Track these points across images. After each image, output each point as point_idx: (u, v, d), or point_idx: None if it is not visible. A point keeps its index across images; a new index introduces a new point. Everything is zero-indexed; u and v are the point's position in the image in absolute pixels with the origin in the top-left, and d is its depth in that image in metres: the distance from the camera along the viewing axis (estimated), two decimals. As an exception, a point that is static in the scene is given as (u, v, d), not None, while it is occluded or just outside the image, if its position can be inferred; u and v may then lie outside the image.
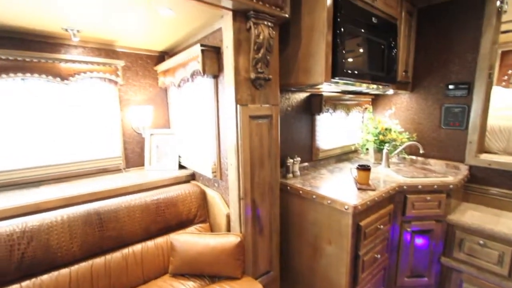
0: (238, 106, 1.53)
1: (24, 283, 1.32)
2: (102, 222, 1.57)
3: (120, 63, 2.09)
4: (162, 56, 2.39)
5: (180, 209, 1.87)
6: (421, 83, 2.59)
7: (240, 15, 1.48)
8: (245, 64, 1.54)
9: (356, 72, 1.86)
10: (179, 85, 2.01)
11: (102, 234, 1.56)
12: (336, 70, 1.72)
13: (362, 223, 1.67)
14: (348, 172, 2.30)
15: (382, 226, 1.83)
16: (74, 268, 1.46)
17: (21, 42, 1.74)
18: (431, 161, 2.56)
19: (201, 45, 1.58)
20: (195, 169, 2.15)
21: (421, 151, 2.32)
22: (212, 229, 2.00)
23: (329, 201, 1.71)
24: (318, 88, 2.18)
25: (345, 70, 1.77)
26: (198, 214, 1.96)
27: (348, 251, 1.66)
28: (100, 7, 1.43)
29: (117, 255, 1.60)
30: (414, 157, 2.68)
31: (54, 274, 1.40)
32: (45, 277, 1.38)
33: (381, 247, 1.91)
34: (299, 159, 2.22)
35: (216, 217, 1.94)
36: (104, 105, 2.15)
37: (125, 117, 2.25)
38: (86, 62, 1.93)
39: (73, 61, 1.88)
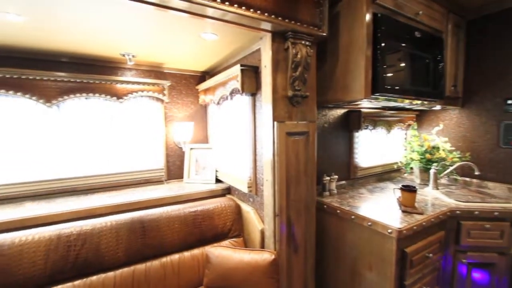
0: (275, 123, 1.56)
1: (76, 282, 1.45)
2: (145, 230, 1.67)
3: (167, 83, 2.28)
4: (204, 76, 2.56)
5: (215, 222, 1.91)
6: (473, 98, 2.38)
7: (278, 36, 1.54)
8: (283, 82, 1.57)
9: (397, 87, 1.79)
10: (218, 103, 2.12)
11: (144, 242, 1.65)
12: (377, 86, 1.68)
13: (408, 250, 1.53)
14: (390, 192, 2.15)
15: (431, 255, 1.66)
16: (118, 272, 1.56)
17: (87, 67, 2.02)
18: (490, 184, 2.28)
19: (241, 65, 1.67)
20: (231, 183, 2.20)
21: (476, 173, 2.09)
22: (246, 244, 2.00)
23: (369, 223, 1.61)
24: (357, 104, 2.12)
25: (386, 86, 1.71)
26: (232, 228, 1.98)
27: (391, 279, 1.52)
28: (153, 36, 1.60)
29: (156, 263, 1.68)
30: (467, 179, 2.42)
31: (102, 276, 1.52)
32: (94, 278, 1.50)
33: (430, 279, 1.72)
34: (336, 177, 2.15)
35: (250, 232, 1.94)
36: (151, 121, 2.34)
37: (168, 132, 2.42)
38: (138, 83, 2.15)
39: (128, 82, 2.11)
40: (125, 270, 1.58)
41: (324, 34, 1.61)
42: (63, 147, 2.00)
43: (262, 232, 1.79)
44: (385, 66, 1.69)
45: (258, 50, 1.69)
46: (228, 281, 1.63)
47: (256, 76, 1.73)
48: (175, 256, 1.75)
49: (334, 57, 1.84)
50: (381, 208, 1.79)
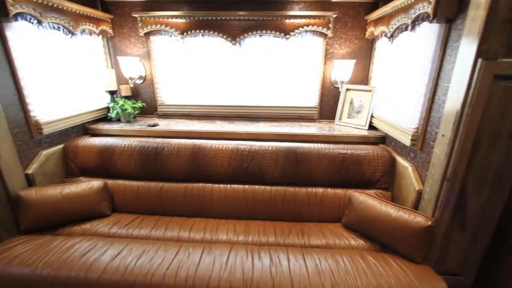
0: (479, 60, 1.13)
1: (246, 186, 1.91)
2: (297, 160, 1.86)
3: (333, 15, 2.11)
4: (377, 2, 2.14)
5: (364, 168, 1.84)
6: None
7: None
8: (512, -3, 1.05)
9: None
10: (392, 35, 1.77)
11: (296, 170, 1.87)
12: None
13: None
14: None
15: None
16: (274, 188, 1.90)
17: (261, 4, 2.16)
18: None
19: (442, -22, 1.23)
20: (388, 132, 1.95)
21: None
22: (393, 199, 1.85)
23: None
24: None
25: None
26: (382, 179, 1.84)
27: None
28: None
29: (303, 190, 1.89)
30: None
31: (262, 187, 1.91)
32: (256, 187, 1.91)
33: None
34: None
35: (402, 190, 1.75)
36: (310, 58, 2.33)
37: (326, 70, 2.35)
38: (304, 17, 2.11)
39: (295, 17, 2.12)
40: (279, 188, 1.89)
41: None
42: (241, 78, 2.42)
43: (419, 193, 1.56)
44: None
45: (476, -50, 1.16)
46: (368, 228, 1.62)
47: (462, -8, 1.25)
48: (319, 190, 1.89)
49: None
50: None
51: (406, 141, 1.66)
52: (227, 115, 2.52)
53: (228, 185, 1.92)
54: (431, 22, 1.36)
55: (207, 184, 1.92)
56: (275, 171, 1.87)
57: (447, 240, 1.47)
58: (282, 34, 2.14)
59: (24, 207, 1.58)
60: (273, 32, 2.14)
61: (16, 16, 1.50)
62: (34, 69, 1.75)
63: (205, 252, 1.42)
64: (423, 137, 1.56)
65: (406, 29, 1.60)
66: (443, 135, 1.35)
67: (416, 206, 1.59)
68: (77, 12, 1.93)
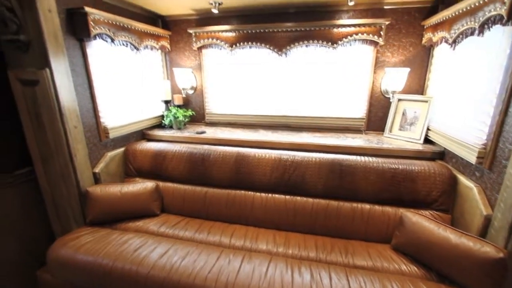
0: None
1: (287, 197, 1.89)
2: (342, 173, 1.79)
3: (385, 22, 2.01)
4: (435, 6, 1.98)
5: (418, 187, 1.68)
6: None
7: None
8: None
9: None
10: (454, 41, 1.61)
11: (340, 184, 1.79)
12: None
13: None
14: None
15: None
16: (315, 201, 1.84)
17: (309, 14, 2.18)
18: None
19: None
20: (449, 147, 1.76)
21: None
22: (453, 223, 1.64)
23: None
24: None
25: None
26: (439, 200, 1.66)
27: None
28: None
29: (347, 205, 1.79)
30: None
31: (304, 199, 1.87)
32: (298, 198, 1.88)
33: None
34: None
35: (464, 213, 1.55)
36: (358, 67, 2.24)
37: (376, 80, 2.24)
38: (354, 25, 2.05)
39: (344, 26, 2.07)
40: (321, 201, 1.83)
41: None
42: (285, 88, 2.44)
43: (487, 219, 1.36)
44: None
45: None
46: (423, 252, 1.46)
47: (547, -10, 1.09)
48: (366, 206, 1.78)
49: None
50: None
51: (471, 158, 1.47)
52: (271, 125, 2.55)
53: (270, 194, 1.92)
54: (504, 25, 1.20)
55: (249, 192, 1.96)
56: (318, 183, 1.82)
57: (524, 277, 1.25)
58: (330, 43, 2.11)
59: (91, 202, 1.80)
60: (320, 41, 2.13)
61: (95, 36, 1.75)
62: (104, 80, 2.00)
63: (245, 260, 1.43)
64: (492, 154, 1.37)
65: (472, 33, 1.44)
66: (520, 154, 1.17)
67: (483, 234, 1.39)
68: (142, 30, 2.17)
